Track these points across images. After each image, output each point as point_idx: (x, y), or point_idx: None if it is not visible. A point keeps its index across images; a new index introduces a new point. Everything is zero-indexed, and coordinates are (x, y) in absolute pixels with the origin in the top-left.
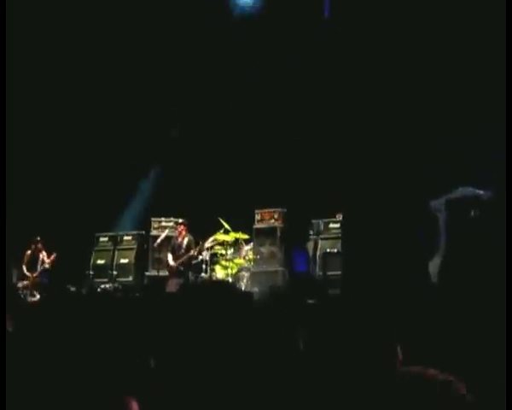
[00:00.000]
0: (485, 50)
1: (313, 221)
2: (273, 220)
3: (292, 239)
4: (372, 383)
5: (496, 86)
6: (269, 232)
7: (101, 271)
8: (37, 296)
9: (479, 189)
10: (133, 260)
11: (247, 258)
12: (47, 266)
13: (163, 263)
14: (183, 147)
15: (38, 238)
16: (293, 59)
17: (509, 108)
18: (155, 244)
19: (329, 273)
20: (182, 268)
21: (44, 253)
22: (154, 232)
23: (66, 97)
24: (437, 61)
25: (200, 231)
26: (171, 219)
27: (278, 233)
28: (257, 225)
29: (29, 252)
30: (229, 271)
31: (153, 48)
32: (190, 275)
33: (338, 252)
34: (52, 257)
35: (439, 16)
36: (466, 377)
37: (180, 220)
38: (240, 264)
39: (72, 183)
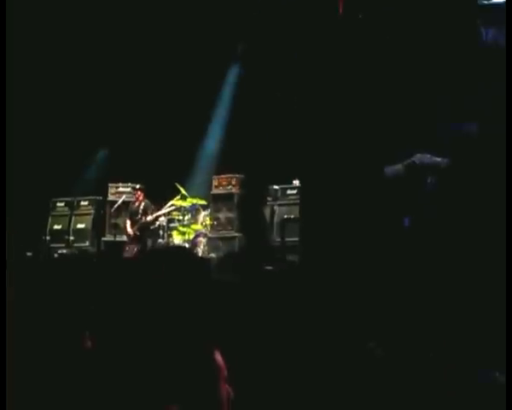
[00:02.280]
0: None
1: (270, 187)
2: (230, 186)
3: (249, 205)
4: (328, 350)
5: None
6: (226, 198)
7: (58, 236)
8: None
9: (436, 156)
10: (90, 226)
11: (204, 224)
12: None
13: (120, 228)
14: (140, 111)
15: None
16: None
17: (509, 107)
18: (112, 210)
19: (287, 239)
20: (139, 234)
21: None
22: (111, 198)
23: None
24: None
25: (158, 197)
26: (129, 184)
27: (235, 199)
28: (214, 191)
29: None
30: (187, 236)
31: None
32: (148, 241)
33: (295, 218)
34: None
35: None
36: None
37: (137, 186)
38: (197, 230)
39: (28, 147)
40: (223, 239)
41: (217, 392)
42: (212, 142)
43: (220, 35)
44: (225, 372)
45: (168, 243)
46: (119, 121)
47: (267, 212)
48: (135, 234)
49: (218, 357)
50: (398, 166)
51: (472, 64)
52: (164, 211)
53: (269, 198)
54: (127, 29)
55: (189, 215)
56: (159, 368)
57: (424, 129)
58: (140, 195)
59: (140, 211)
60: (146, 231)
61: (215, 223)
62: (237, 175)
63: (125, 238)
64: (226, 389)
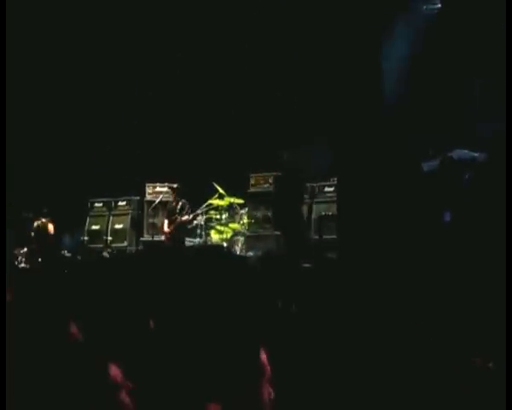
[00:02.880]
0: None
1: (308, 185)
2: (267, 184)
3: (286, 203)
4: (367, 345)
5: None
6: (263, 196)
7: (96, 236)
8: (34, 263)
9: (474, 151)
10: (128, 226)
11: (241, 222)
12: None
13: (157, 228)
14: (179, 112)
15: (45, 210)
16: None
17: (509, 108)
18: (150, 209)
19: (325, 237)
20: (176, 232)
21: (51, 226)
22: (148, 197)
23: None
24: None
25: (196, 196)
26: (166, 184)
27: (272, 197)
28: (251, 190)
29: (36, 224)
30: (224, 235)
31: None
32: (185, 240)
33: (333, 215)
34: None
35: None
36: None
37: (174, 185)
38: (234, 228)
39: (65, 149)
40: (260, 237)
41: (259, 392)
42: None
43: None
44: (269, 372)
45: (206, 242)
46: (158, 120)
47: (305, 209)
48: (172, 232)
49: (263, 356)
50: (436, 162)
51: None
52: (201, 210)
53: (306, 196)
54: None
55: (227, 214)
56: (202, 365)
57: (463, 125)
58: (174, 194)
59: (177, 210)
60: (183, 231)
61: (252, 221)
62: (274, 173)
63: (162, 238)
64: (267, 389)
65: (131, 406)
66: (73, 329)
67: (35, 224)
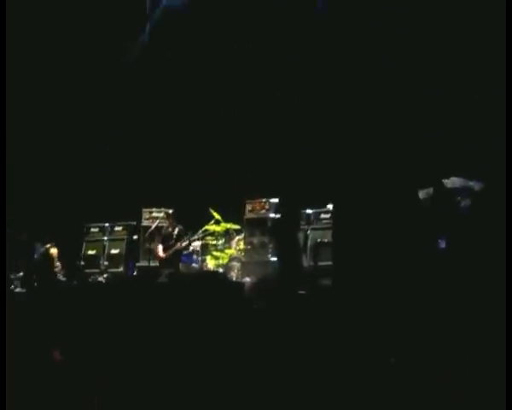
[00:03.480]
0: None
1: (304, 211)
2: (264, 211)
3: (282, 229)
4: (364, 374)
5: (489, 75)
6: (260, 223)
7: (92, 261)
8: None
9: (470, 179)
10: (124, 251)
11: (237, 248)
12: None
13: (154, 253)
14: (173, 137)
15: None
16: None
17: (509, 107)
18: (146, 235)
19: (321, 264)
20: (172, 258)
21: (54, 251)
22: (144, 223)
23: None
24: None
25: (192, 222)
26: (162, 209)
27: (269, 223)
28: (248, 216)
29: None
30: (221, 261)
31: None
32: (181, 266)
33: (329, 242)
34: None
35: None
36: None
37: (170, 211)
38: (231, 254)
39: (60, 174)
40: (257, 264)
41: None
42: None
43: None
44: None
45: (202, 267)
46: (155, 145)
47: (301, 236)
48: (167, 259)
49: None
50: (430, 190)
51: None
52: (197, 236)
53: (302, 222)
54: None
55: (223, 240)
56: (195, 388)
57: (458, 152)
58: (171, 220)
59: (173, 236)
60: (179, 256)
61: (249, 247)
62: (271, 199)
63: (158, 263)
64: None
65: None
66: (58, 355)
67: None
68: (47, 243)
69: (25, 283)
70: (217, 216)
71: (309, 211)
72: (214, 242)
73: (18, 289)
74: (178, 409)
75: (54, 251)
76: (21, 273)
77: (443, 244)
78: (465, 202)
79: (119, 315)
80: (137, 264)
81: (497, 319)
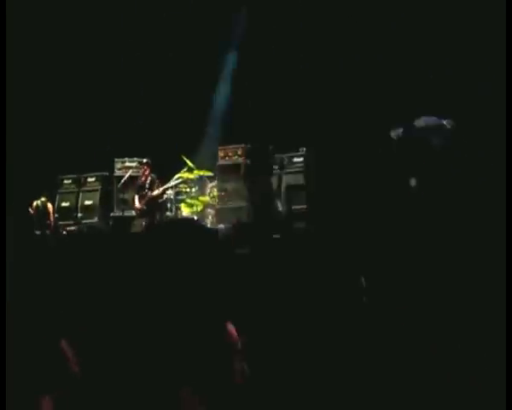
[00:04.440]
0: None
1: (277, 156)
2: (236, 156)
3: (255, 175)
4: (336, 314)
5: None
6: (233, 169)
7: (66, 213)
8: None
9: (442, 117)
10: (98, 202)
11: (211, 195)
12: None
13: (128, 203)
14: (149, 86)
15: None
16: None
17: (509, 108)
18: (119, 185)
19: (294, 207)
20: (147, 208)
21: (50, 205)
22: (117, 173)
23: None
24: None
25: (164, 170)
26: (135, 158)
27: (242, 169)
28: (220, 162)
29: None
30: (195, 208)
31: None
32: (156, 215)
33: (302, 185)
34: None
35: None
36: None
37: (144, 160)
38: (205, 201)
39: (34, 125)
40: (231, 210)
41: (230, 366)
42: (218, 108)
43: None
44: (239, 345)
45: (176, 215)
46: (124, 94)
47: (274, 180)
48: (143, 208)
49: (232, 329)
50: (401, 129)
51: None
52: (171, 184)
53: (275, 167)
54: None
55: (197, 187)
56: (169, 348)
57: (430, 92)
58: (146, 169)
59: (147, 185)
60: (154, 205)
61: (222, 194)
62: (243, 145)
63: (133, 213)
64: (241, 365)
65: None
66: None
67: (34, 203)
68: (43, 197)
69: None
70: (190, 163)
71: (282, 155)
72: (188, 189)
73: None
74: (162, 363)
75: (50, 206)
76: None
77: (414, 182)
78: (437, 140)
79: (96, 266)
80: (111, 214)
81: (463, 254)
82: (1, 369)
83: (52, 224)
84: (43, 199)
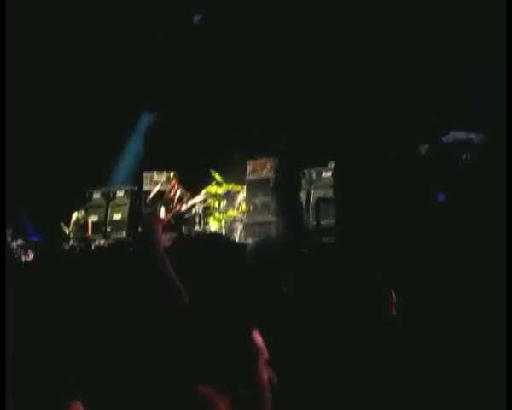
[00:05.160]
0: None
1: (305, 170)
2: (265, 171)
3: (284, 189)
4: (365, 328)
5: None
6: (261, 183)
7: (95, 227)
8: (32, 255)
9: (470, 132)
10: (126, 216)
11: (239, 210)
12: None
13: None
14: (173, 99)
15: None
16: None
17: (509, 107)
18: (148, 199)
19: (323, 222)
20: (174, 222)
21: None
22: (146, 187)
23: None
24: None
25: (193, 185)
26: (164, 173)
27: (271, 184)
28: (249, 177)
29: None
30: (223, 223)
31: None
32: (183, 229)
33: (331, 200)
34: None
35: None
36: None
37: (172, 174)
38: (233, 216)
39: (60, 139)
40: (259, 224)
41: (256, 374)
42: None
43: None
44: (266, 354)
45: (205, 230)
46: (153, 108)
47: (303, 195)
48: (170, 222)
49: (258, 338)
50: (431, 144)
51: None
52: (199, 198)
53: (304, 181)
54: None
55: (225, 202)
56: (195, 349)
57: (459, 107)
58: (175, 183)
59: (175, 199)
60: (181, 219)
61: (251, 208)
62: (272, 159)
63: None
64: (267, 372)
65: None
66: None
67: (74, 216)
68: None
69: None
70: (218, 178)
71: (310, 170)
72: (216, 204)
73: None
74: (178, 365)
75: (89, 220)
76: (19, 241)
77: (442, 198)
78: (465, 155)
79: (122, 279)
80: (140, 229)
81: (494, 270)
82: (2, 369)
83: (89, 238)
84: (83, 212)
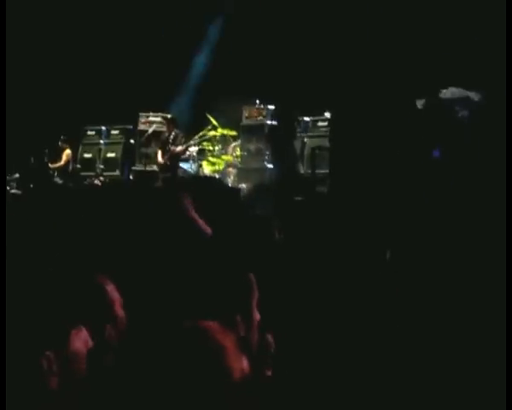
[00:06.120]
0: None
1: (301, 119)
2: (261, 117)
3: (279, 136)
4: (358, 278)
5: None
6: (257, 129)
7: (88, 164)
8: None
9: (470, 90)
10: (120, 155)
11: (234, 155)
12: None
13: (150, 158)
14: (174, 40)
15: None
16: None
17: (509, 106)
18: (142, 139)
19: (317, 171)
20: (169, 163)
21: (67, 151)
22: (141, 127)
23: None
24: None
25: (189, 127)
26: (159, 114)
27: (266, 130)
28: (244, 122)
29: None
30: (217, 167)
31: None
32: (178, 171)
33: (326, 148)
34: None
35: None
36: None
37: (168, 116)
38: (227, 160)
39: (57, 75)
40: (253, 170)
41: (250, 311)
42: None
43: None
44: (257, 294)
45: (198, 173)
46: (148, 48)
47: (297, 143)
48: (166, 163)
49: (252, 279)
50: (429, 99)
51: None
52: (194, 141)
53: (299, 130)
54: None
55: (220, 146)
56: (192, 286)
57: (458, 63)
58: (171, 125)
59: (170, 140)
60: (176, 161)
61: (245, 154)
62: (268, 106)
63: (155, 168)
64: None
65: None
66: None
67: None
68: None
69: (20, 184)
70: (214, 122)
71: (306, 118)
72: (211, 147)
73: (14, 191)
74: (175, 305)
75: (68, 152)
76: (17, 174)
77: (437, 154)
78: (463, 113)
79: (115, 218)
80: (133, 168)
81: (490, 230)
82: (1, 364)
83: (72, 172)
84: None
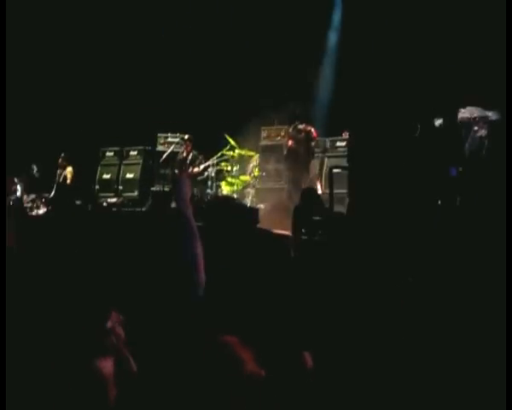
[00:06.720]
0: None
1: (319, 139)
2: (279, 138)
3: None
4: (373, 299)
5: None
6: (275, 149)
7: (107, 185)
8: (43, 210)
9: (487, 108)
10: (139, 175)
11: (252, 175)
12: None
13: (168, 178)
14: (191, 63)
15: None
16: None
17: (509, 107)
18: (161, 160)
19: (336, 191)
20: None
21: (70, 168)
22: (159, 148)
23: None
24: None
25: (207, 148)
26: (177, 134)
27: (284, 151)
28: (263, 142)
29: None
30: (235, 187)
31: None
32: (195, 191)
33: (344, 168)
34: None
35: None
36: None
37: (186, 136)
38: (245, 181)
39: (77, 97)
40: (271, 190)
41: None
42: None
43: None
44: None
45: (217, 193)
46: (171, 70)
47: (316, 164)
48: None
49: None
50: (447, 119)
51: None
52: (212, 162)
53: (318, 150)
54: None
55: (238, 166)
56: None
57: (476, 83)
58: (188, 145)
59: (188, 161)
60: (194, 182)
61: (263, 174)
62: (286, 127)
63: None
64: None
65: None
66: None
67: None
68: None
69: (36, 205)
70: (232, 142)
71: (324, 139)
72: (229, 168)
73: (33, 213)
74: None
75: (70, 170)
76: (32, 196)
77: (454, 172)
78: (481, 132)
79: (132, 238)
80: (152, 188)
81: (506, 245)
82: (2, 366)
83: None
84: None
